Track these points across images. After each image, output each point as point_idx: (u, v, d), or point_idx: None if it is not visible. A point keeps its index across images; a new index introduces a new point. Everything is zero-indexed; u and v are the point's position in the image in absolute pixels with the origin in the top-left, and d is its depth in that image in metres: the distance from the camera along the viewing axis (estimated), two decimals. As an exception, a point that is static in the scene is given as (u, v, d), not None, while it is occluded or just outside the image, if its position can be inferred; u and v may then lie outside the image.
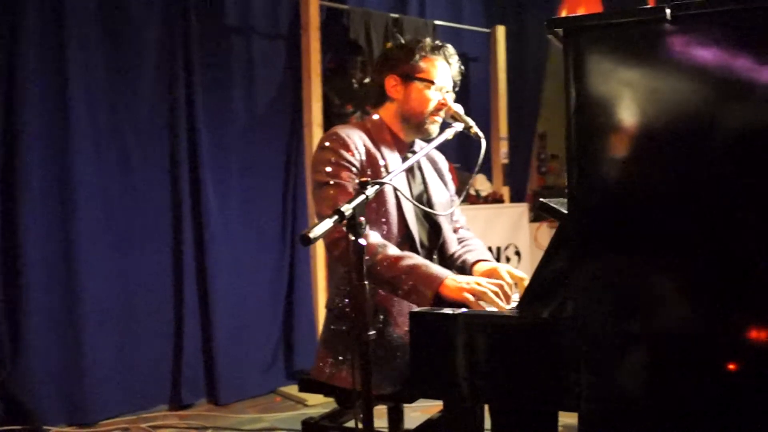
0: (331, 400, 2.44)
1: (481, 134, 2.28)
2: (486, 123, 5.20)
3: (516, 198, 5.56)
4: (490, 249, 4.86)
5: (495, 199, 5.00)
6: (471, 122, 2.32)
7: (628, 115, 1.44)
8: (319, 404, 4.17)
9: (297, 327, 4.49)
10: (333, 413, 2.43)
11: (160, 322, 4.09)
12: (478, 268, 2.36)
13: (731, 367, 1.44)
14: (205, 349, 4.23)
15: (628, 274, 1.47)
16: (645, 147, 1.44)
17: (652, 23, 1.36)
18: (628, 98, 1.42)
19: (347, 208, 1.56)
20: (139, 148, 4.00)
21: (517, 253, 5.05)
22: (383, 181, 1.78)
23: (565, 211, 1.49)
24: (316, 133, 4.40)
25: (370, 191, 1.67)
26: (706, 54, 1.36)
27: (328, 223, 1.50)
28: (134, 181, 3.98)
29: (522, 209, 5.19)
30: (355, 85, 4.56)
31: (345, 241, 2.11)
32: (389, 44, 4.74)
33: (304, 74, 4.44)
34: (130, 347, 3.98)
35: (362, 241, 1.60)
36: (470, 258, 2.44)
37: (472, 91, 5.36)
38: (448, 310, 1.74)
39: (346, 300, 2.29)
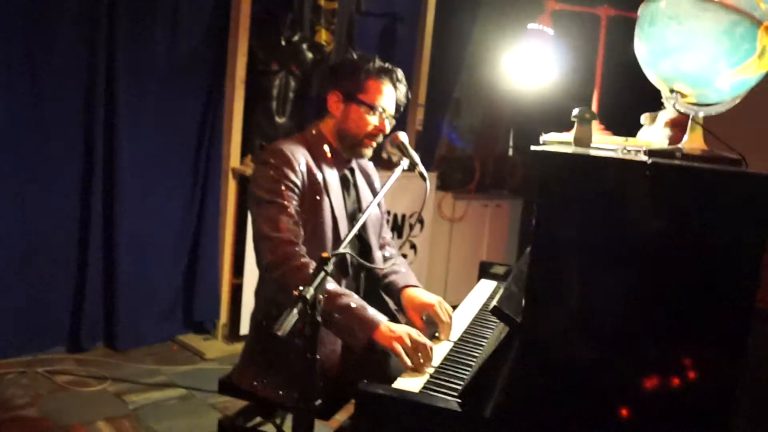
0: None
1: (426, 174, 2.35)
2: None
3: (424, 164, 5.60)
4: (395, 216, 4.99)
5: (406, 165, 5.05)
6: (417, 159, 2.39)
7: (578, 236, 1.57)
8: (216, 359, 4.26)
9: (199, 278, 4.49)
10: (247, 410, 2.51)
11: (62, 263, 4.04)
12: (408, 294, 2.47)
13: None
14: (106, 293, 4.22)
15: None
16: (587, 258, 1.58)
17: (632, 169, 1.50)
18: (590, 226, 1.56)
19: (309, 292, 1.61)
20: (54, 86, 3.83)
21: (420, 221, 5.17)
22: (341, 251, 1.83)
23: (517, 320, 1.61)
24: (238, 88, 4.32)
25: (330, 267, 1.72)
26: (672, 200, 1.52)
27: (294, 315, 1.55)
28: (45, 121, 3.83)
29: (429, 177, 5.25)
30: (283, 43, 4.45)
31: (285, 267, 2.16)
32: (322, 1, 4.64)
33: (232, 26, 4.30)
34: (30, 287, 3.93)
35: (319, 318, 1.65)
36: (399, 281, 2.54)
37: (397, 52, 5.34)
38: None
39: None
